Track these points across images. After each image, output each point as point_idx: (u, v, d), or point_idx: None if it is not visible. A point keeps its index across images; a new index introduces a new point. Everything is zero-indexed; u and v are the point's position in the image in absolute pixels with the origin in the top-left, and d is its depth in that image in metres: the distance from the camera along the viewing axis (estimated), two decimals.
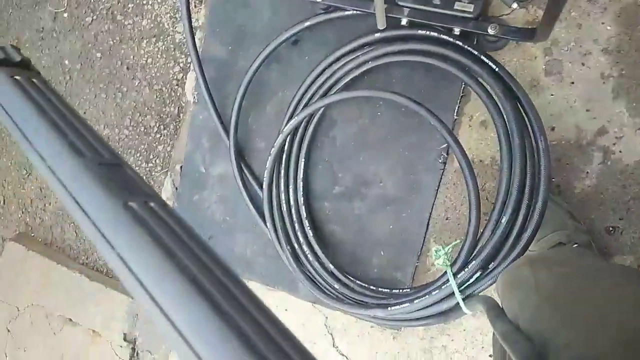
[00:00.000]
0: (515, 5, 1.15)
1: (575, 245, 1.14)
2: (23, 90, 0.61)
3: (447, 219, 1.44)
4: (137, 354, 1.88)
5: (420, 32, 1.32)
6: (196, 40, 1.59)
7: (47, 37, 2.11)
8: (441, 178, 1.42)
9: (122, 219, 0.27)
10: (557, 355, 0.38)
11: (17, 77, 0.64)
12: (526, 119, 1.23)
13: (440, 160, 1.42)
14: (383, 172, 1.49)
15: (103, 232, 0.27)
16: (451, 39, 1.28)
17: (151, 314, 0.24)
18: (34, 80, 0.66)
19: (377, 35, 1.37)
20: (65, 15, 2.07)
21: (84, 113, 2.02)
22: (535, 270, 0.48)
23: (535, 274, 0.48)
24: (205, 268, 0.25)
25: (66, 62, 2.07)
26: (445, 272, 1.22)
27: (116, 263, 0.26)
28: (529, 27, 1.26)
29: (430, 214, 1.43)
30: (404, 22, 1.33)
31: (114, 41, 1.98)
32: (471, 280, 1.21)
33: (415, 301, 1.26)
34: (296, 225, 1.52)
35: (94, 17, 2.01)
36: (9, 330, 2.22)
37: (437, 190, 1.42)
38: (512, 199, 1.18)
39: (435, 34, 1.29)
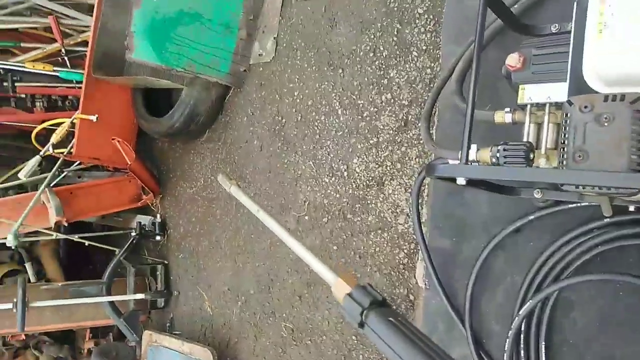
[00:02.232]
0: None
1: None
2: (400, 331, 0.88)
3: None
4: None
5: None
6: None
7: (294, 236, 2.63)
8: None
9: None
10: None
11: (390, 319, 0.91)
12: None
13: None
14: (637, 353, 1.44)
15: None
16: None
17: None
18: (399, 318, 0.93)
19: (607, 220, 1.45)
20: (306, 217, 2.59)
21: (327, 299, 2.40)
22: None
23: None
24: None
25: None
26: None
27: None
28: None
29: None
30: (631, 208, 1.40)
31: (346, 235, 2.39)
32: None
33: None
34: None
35: (329, 218, 2.48)
36: None
37: None
38: None
39: None
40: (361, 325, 0.94)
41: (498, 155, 1.25)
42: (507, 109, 1.42)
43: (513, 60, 1.38)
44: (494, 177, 1.14)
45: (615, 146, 1.00)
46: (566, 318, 1.58)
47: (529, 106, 1.36)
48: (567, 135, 1.06)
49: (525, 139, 1.36)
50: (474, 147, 1.35)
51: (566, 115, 1.08)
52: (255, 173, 2.89)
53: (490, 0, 1.26)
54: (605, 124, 1.02)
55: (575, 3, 1.21)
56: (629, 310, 1.47)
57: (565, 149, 1.07)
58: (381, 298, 0.96)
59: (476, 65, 1.15)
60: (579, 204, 1.51)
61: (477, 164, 1.36)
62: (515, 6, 1.66)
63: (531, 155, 1.22)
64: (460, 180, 1.13)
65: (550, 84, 1.34)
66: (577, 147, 1.04)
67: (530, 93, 1.36)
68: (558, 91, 1.29)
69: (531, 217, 1.60)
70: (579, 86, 1.16)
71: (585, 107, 1.04)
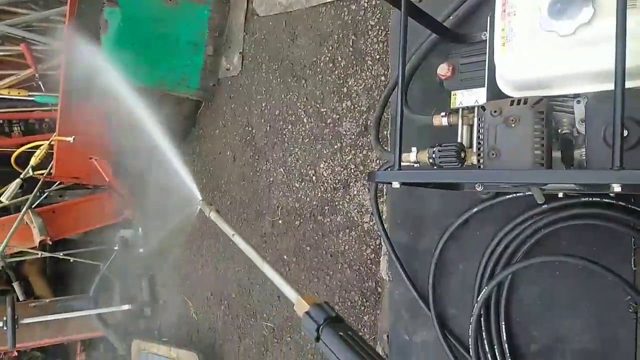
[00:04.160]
0: None
1: None
2: (348, 344, 1.01)
3: None
4: None
5: (583, 199, 1.52)
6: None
7: (269, 240, 2.77)
8: (637, 328, 1.48)
9: None
10: None
11: (341, 333, 1.04)
12: None
13: (631, 310, 1.49)
14: (576, 326, 1.60)
15: None
16: (613, 201, 1.45)
17: None
18: (349, 332, 1.06)
19: (545, 206, 1.60)
20: (280, 222, 2.73)
21: None
22: None
23: None
24: None
25: (284, 257, 2.68)
26: None
27: None
28: None
29: None
30: (560, 194, 1.56)
31: (318, 236, 2.53)
32: None
33: None
34: None
35: (301, 220, 2.62)
36: None
37: (636, 340, 1.47)
38: None
39: (598, 199, 1.48)
40: (317, 339, 1.09)
41: (434, 156, 1.40)
42: (443, 113, 1.57)
43: (443, 69, 1.53)
44: (421, 180, 1.29)
45: (521, 144, 1.16)
46: (513, 299, 1.73)
47: (460, 110, 1.52)
48: (482, 137, 1.22)
49: (459, 140, 1.51)
50: (414, 149, 1.50)
51: (480, 119, 1.23)
52: (230, 182, 3.01)
53: (412, 10, 1.40)
54: (513, 125, 1.17)
55: (489, 17, 1.37)
56: (566, 287, 1.63)
57: (482, 148, 1.22)
58: (334, 314, 1.11)
59: (402, 74, 1.29)
60: (516, 194, 1.67)
61: (417, 164, 1.51)
62: (450, 18, 1.81)
63: (462, 155, 1.37)
64: (395, 184, 1.27)
65: (477, 89, 1.50)
66: (491, 146, 1.19)
67: (460, 98, 1.52)
68: (484, 95, 1.45)
69: (475, 209, 1.75)
70: (494, 91, 1.32)
71: (495, 111, 1.19)
